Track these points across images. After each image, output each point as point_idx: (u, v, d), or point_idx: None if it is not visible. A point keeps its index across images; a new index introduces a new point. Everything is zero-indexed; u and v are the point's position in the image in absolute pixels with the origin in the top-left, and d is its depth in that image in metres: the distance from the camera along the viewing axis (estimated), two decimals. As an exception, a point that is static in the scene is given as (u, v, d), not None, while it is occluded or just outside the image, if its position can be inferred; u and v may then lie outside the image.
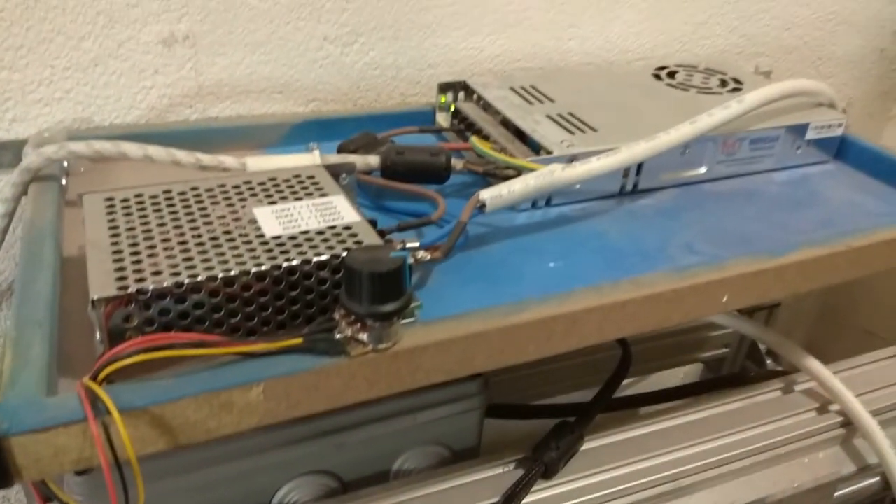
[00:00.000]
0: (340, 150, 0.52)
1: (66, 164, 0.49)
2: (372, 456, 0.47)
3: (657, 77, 0.65)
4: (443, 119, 0.61)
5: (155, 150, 0.45)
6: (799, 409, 0.56)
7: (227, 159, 0.46)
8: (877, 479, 0.54)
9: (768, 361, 0.78)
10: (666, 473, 0.48)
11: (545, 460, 0.47)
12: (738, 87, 0.63)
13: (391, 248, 0.33)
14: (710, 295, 0.40)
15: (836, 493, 0.53)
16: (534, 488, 0.47)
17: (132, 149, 0.45)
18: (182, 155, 0.45)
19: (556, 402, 0.64)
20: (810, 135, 0.59)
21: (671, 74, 0.66)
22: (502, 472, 0.48)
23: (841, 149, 0.61)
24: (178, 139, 0.54)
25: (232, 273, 0.32)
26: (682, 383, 0.81)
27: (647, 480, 0.48)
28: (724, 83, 0.64)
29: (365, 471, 0.47)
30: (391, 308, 0.31)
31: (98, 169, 0.51)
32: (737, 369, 0.81)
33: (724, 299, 0.41)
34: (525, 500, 0.46)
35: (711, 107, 0.53)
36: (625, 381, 0.61)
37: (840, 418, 0.56)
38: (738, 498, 0.38)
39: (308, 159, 0.48)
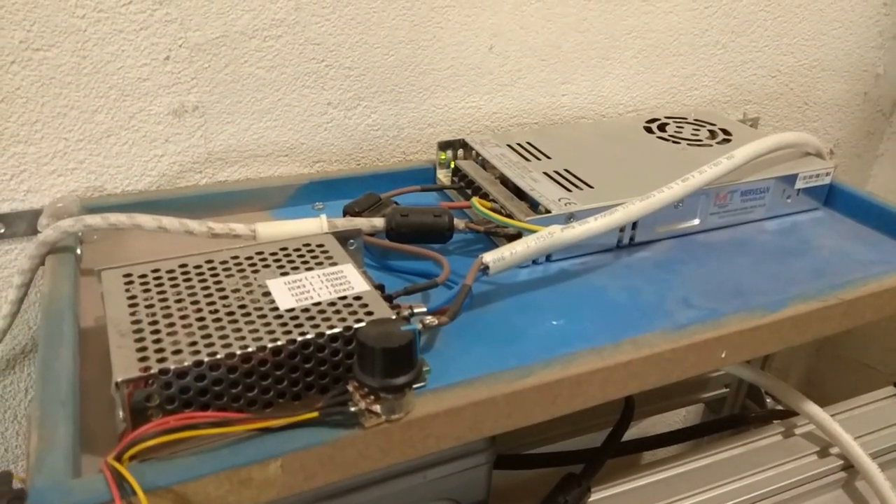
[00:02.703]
0: (346, 213, 0.53)
1: (80, 233, 0.51)
2: (383, 514, 0.48)
3: (648, 129, 0.67)
4: (443, 175, 0.63)
5: (168, 221, 0.46)
6: (800, 454, 0.57)
7: (238, 226, 0.48)
8: (879, 521, 0.55)
9: (768, 401, 0.80)
10: (671, 525, 0.49)
11: (554, 513, 0.48)
12: (727, 138, 0.66)
13: (401, 321, 0.35)
14: (708, 352, 0.42)
15: (840, 537, 0.54)
16: (543, 542, 0.48)
17: (146, 220, 0.46)
18: (194, 225, 0.47)
19: (561, 450, 0.65)
20: (799, 184, 0.61)
21: (661, 127, 0.68)
22: (511, 526, 0.49)
23: (829, 196, 0.63)
24: (188, 204, 0.56)
25: (249, 349, 0.33)
26: (683, 424, 0.83)
27: (653, 532, 0.49)
28: (713, 134, 0.67)
29: (375, 528, 0.48)
30: (403, 381, 0.33)
31: (111, 237, 0.53)
32: (737, 409, 0.82)
33: (723, 355, 0.42)
34: (535, 554, 0.47)
35: (702, 159, 0.55)
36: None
37: (841, 461, 0.57)
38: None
39: (316, 224, 0.50)
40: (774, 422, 0.61)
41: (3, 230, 0.53)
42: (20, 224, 0.53)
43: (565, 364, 0.39)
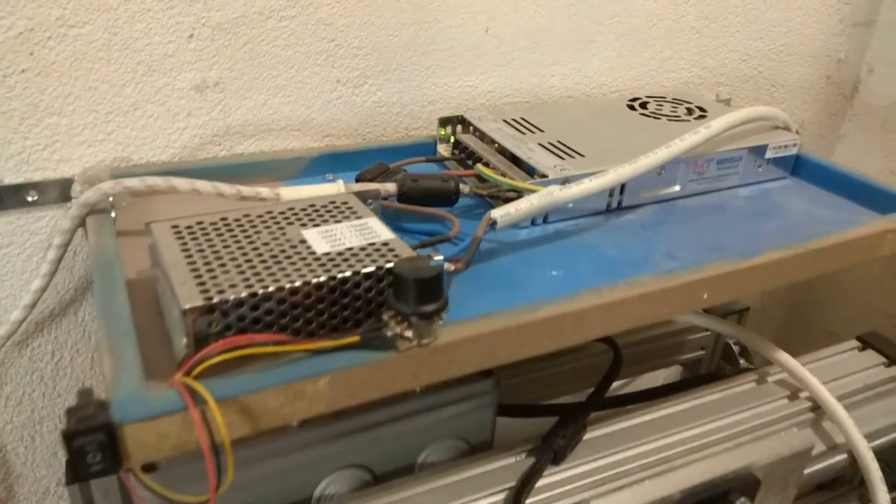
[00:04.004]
0: (359, 180, 0.58)
1: (111, 199, 0.54)
2: (400, 450, 0.53)
3: (631, 107, 0.73)
4: (443, 150, 0.67)
5: (201, 184, 0.50)
6: (772, 397, 0.63)
7: (264, 190, 0.52)
8: (844, 456, 0.61)
9: (741, 361, 0.86)
10: (660, 456, 0.54)
11: (554, 448, 0.53)
12: (702, 114, 0.71)
13: (428, 259, 0.39)
14: (692, 292, 0.47)
15: (808, 471, 0.59)
16: (545, 473, 0.53)
17: (181, 183, 0.50)
18: (224, 187, 0.51)
19: (558, 403, 0.71)
20: (769, 154, 0.66)
21: (643, 105, 0.73)
22: (515, 461, 0.54)
23: (797, 166, 0.69)
24: (208, 175, 0.59)
25: (296, 284, 0.38)
26: (664, 384, 0.88)
27: (644, 462, 0.54)
28: (690, 111, 0.72)
29: (394, 464, 0.53)
30: (432, 308, 0.37)
31: (137, 204, 0.56)
32: (713, 369, 0.88)
33: (705, 296, 0.48)
34: (538, 484, 0.52)
35: (681, 132, 0.60)
36: (613, 385, 0.67)
37: (809, 404, 0.63)
38: (727, 467, 0.44)
39: (334, 188, 0.54)
40: (748, 372, 0.67)
41: (36, 197, 0.57)
42: (52, 192, 0.57)
43: (569, 301, 0.44)
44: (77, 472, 0.31)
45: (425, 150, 0.67)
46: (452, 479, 0.52)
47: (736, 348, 0.85)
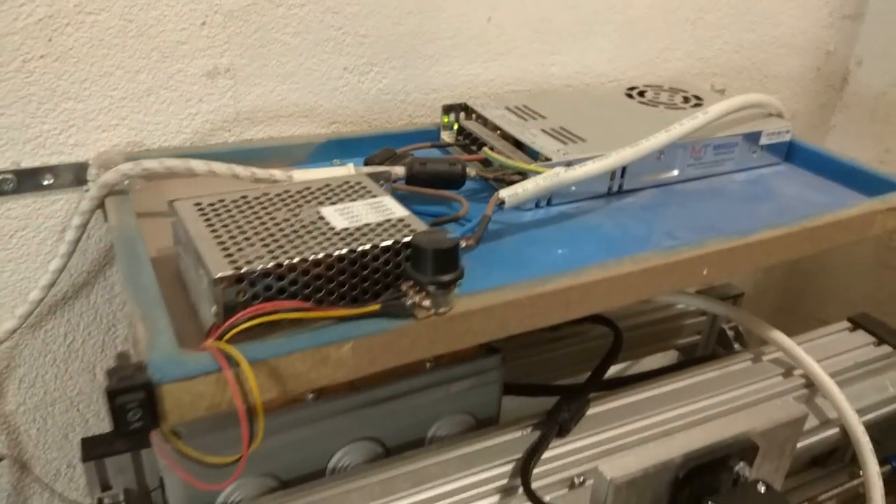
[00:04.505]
0: (367, 164, 0.59)
1: (126, 182, 0.56)
2: (411, 424, 0.54)
3: (629, 96, 0.75)
4: (447, 136, 0.69)
5: (217, 166, 0.52)
6: (767, 375, 0.65)
7: (277, 172, 0.54)
8: (836, 430, 0.63)
9: (735, 345, 0.88)
10: (662, 428, 0.56)
11: (559, 421, 0.55)
12: (698, 102, 0.73)
13: (445, 232, 0.41)
14: (693, 268, 0.49)
15: (801, 444, 0.62)
16: (551, 445, 0.55)
17: (198, 164, 0.52)
18: (239, 169, 0.52)
19: (560, 384, 0.73)
20: (763, 140, 0.69)
21: (641, 93, 0.75)
22: (521, 435, 0.56)
23: (790, 152, 0.71)
24: (219, 159, 0.61)
25: (319, 256, 0.39)
26: (662, 367, 0.90)
27: (647, 435, 0.56)
28: (686, 100, 0.74)
29: (405, 437, 0.54)
30: (449, 278, 0.39)
31: (151, 188, 0.57)
32: (708, 353, 0.90)
33: (705, 272, 0.50)
34: (544, 455, 0.54)
35: (679, 119, 0.62)
36: (611, 369, 0.69)
37: (803, 381, 0.65)
38: (727, 432, 0.46)
39: (344, 171, 0.56)
40: (744, 352, 0.69)
41: (52, 181, 0.58)
42: (67, 175, 0.58)
43: (576, 275, 0.46)
44: (118, 429, 0.33)
45: (429, 136, 0.69)
46: (462, 451, 0.54)
47: (731, 332, 0.88)
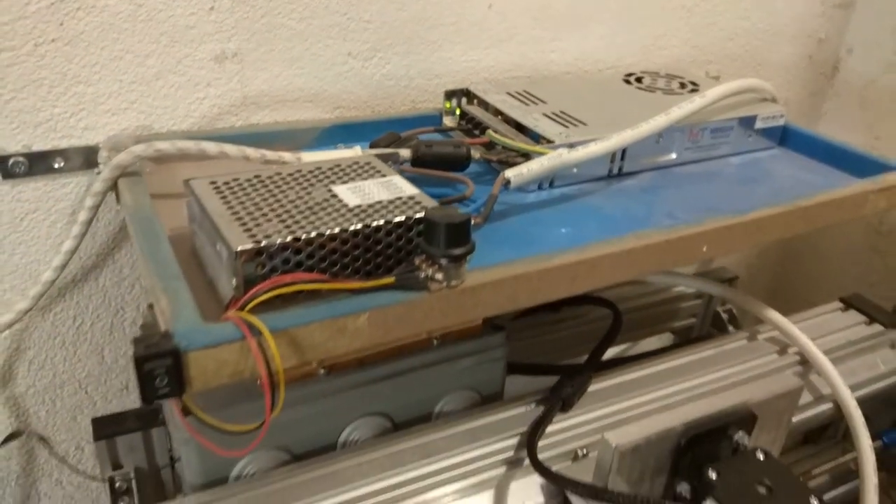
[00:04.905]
0: (373, 147, 0.61)
1: (137, 164, 0.57)
2: (418, 399, 0.56)
3: (627, 82, 0.76)
4: (449, 121, 0.70)
5: (229, 147, 0.53)
6: (762, 352, 0.67)
7: (286, 154, 0.55)
8: (829, 405, 0.65)
9: (730, 328, 0.90)
10: (663, 403, 0.58)
11: (562, 396, 0.57)
12: (694, 88, 0.75)
13: (456, 208, 0.42)
14: (693, 245, 0.51)
15: (796, 419, 0.63)
16: (554, 420, 0.56)
17: (209, 146, 0.53)
18: (250, 151, 0.53)
19: (562, 364, 0.74)
20: (758, 125, 0.70)
21: (639, 79, 0.77)
22: (526, 410, 0.57)
23: (784, 136, 0.73)
24: (226, 143, 0.62)
25: (336, 230, 0.41)
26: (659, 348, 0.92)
27: (648, 409, 0.58)
28: (683, 85, 0.76)
29: (413, 413, 0.56)
30: (461, 251, 0.40)
31: (161, 171, 0.58)
32: (703, 335, 0.92)
33: (704, 248, 0.51)
34: (548, 430, 0.55)
35: (676, 104, 0.63)
36: (610, 352, 0.71)
37: (797, 358, 0.67)
38: (726, 402, 0.47)
39: (352, 153, 0.57)
40: (739, 332, 0.71)
41: (62, 164, 0.59)
42: (77, 159, 0.59)
43: (581, 251, 0.47)
44: (146, 395, 0.34)
45: (431, 122, 0.70)
46: (468, 426, 0.55)
47: (725, 315, 0.90)
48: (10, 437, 0.66)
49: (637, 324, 0.86)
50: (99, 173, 0.55)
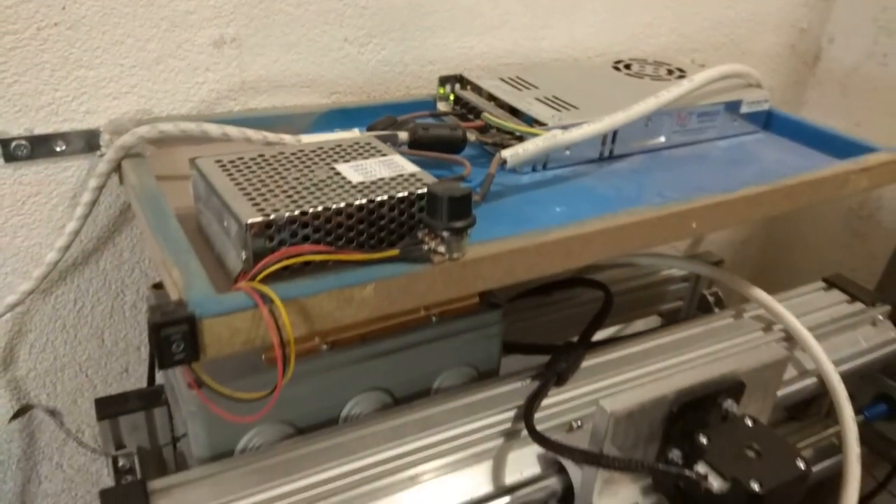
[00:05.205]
0: (370, 130, 0.62)
1: (139, 147, 0.58)
2: (417, 375, 0.57)
3: (616, 68, 0.78)
4: (443, 106, 0.72)
5: (230, 129, 0.54)
6: (748, 329, 0.69)
7: (287, 137, 0.56)
8: (813, 380, 0.67)
9: (716, 310, 0.92)
10: (654, 377, 0.60)
11: (557, 371, 0.58)
12: (681, 74, 0.77)
13: (458, 182, 0.44)
14: (683, 221, 0.53)
15: (782, 393, 0.66)
16: (549, 394, 0.58)
17: (211, 128, 0.54)
18: (252, 133, 0.55)
19: (555, 344, 0.76)
20: (743, 109, 0.72)
21: (627, 66, 0.79)
22: (521, 385, 0.59)
23: (768, 120, 0.75)
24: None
25: (341, 205, 0.42)
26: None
27: (638, 383, 0.60)
28: (670, 72, 0.78)
29: (412, 388, 0.57)
30: (463, 224, 0.42)
31: (160, 154, 0.59)
32: (690, 318, 0.94)
33: (694, 225, 0.53)
34: (543, 403, 0.57)
35: (664, 89, 0.65)
36: (601, 334, 0.72)
37: (782, 335, 0.69)
38: (713, 372, 0.49)
39: (350, 136, 0.58)
40: (726, 310, 0.73)
41: (64, 147, 0.59)
42: (78, 142, 0.60)
43: (576, 226, 0.49)
44: (162, 360, 0.35)
45: (426, 107, 0.71)
46: (466, 400, 0.57)
47: (711, 298, 0.92)
48: (21, 412, 0.66)
49: (626, 306, 0.87)
50: (102, 155, 0.56)
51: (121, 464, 0.62)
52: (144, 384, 0.67)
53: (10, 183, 0.59)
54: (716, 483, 0.44)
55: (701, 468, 0.45)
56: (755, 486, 0.44)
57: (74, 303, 0.67)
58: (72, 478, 0.74)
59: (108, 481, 0.62)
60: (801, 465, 0.46)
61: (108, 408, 0.61)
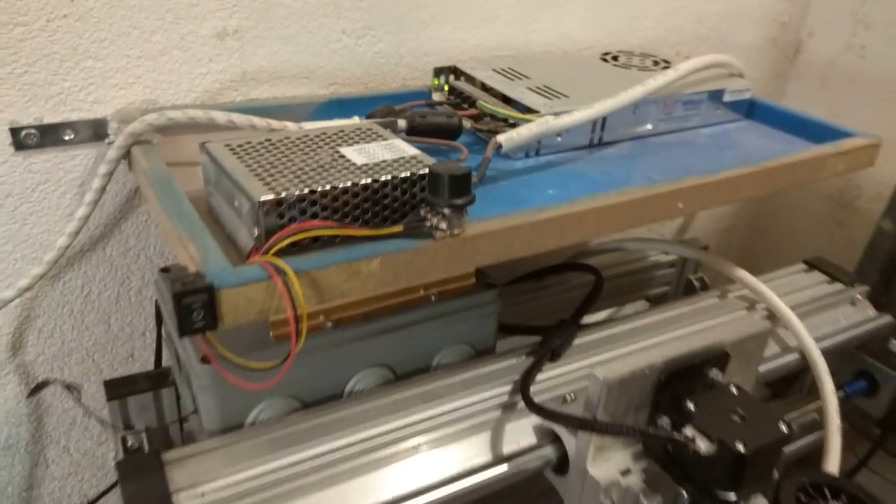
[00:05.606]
0: (369, 119, 0.64)
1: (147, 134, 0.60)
2: (417, 352, 0.60)
3: (604, 60, 0.81)
4: (438, 97, 0.74)
5: (236, 117, 0.56)
6: (733, 308, 0.72)
7: (290, 124, 0.58)
8: (795, 355, 0.70)
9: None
10: (642, 353, 0.63)
11: (551, 346, 0.61)
12: (667, 66, 0.80)
13: (458, 162, 0.46)
14: (670, 201, 0.55)
15: (765, 368, 0.69)
16: (543, 369, 0.60)
17: (218, 115, 0.56)
18: (257, 120, 0.57)
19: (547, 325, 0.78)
20: (726, 98, 0.75)
21: (615, 58, 0.81)
22: (517, 361, 0.61)
23: (750, 109, 0.78)
24: (230, 115, 0.65)
25: (347, 185, 0.44)
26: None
27: (631, 365, 0.62)
28: (656, 63, 0.80)
29: (413, 365, 0.60)
30: (463, 201, 0.44)
31: (167, 142, 0.61)
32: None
33: (680, 205, 0.56)
34: (538, 377, 0.59)
35: (651, 78, 0.68)
36: (589, 318, 0.75)
37: (765, 313, 0.72)
38: (703, 341, 0.52)
39: (351, 123, 0.60)
40: (711, 290, 0.76)
41: (72, 136, 0.61)
42: (86, 131, 0.62)
43: (569, 205, 0.51)
44: (183, 328, 0.37)
45: (421, 97, 0.74)
46: (465, 376, 0.59)
47: (697, 283, 0.95)
48: (39, 387, 0.68)
49: (615, 291, 0.90)
50: (111, 143, 0.58)
51: (129, 443, 0.64)
52: (150, 369, 0.69)
53: (21, 171, 0.61)
54: (703, 445, 0.47)
55: (689, 431, 0.48)
56: (740, 447, 0.46)
57: (81, 289, 0.68)
58: (78, 461, 0.76)
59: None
60: (783, 427, 0.49)
61: (117, 389, 0.63)
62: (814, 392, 0.72)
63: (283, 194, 0.42)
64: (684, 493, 0.49)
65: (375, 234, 0.44)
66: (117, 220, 0.67)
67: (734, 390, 0.52)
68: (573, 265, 0.80)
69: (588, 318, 0.73)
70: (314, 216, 0.44)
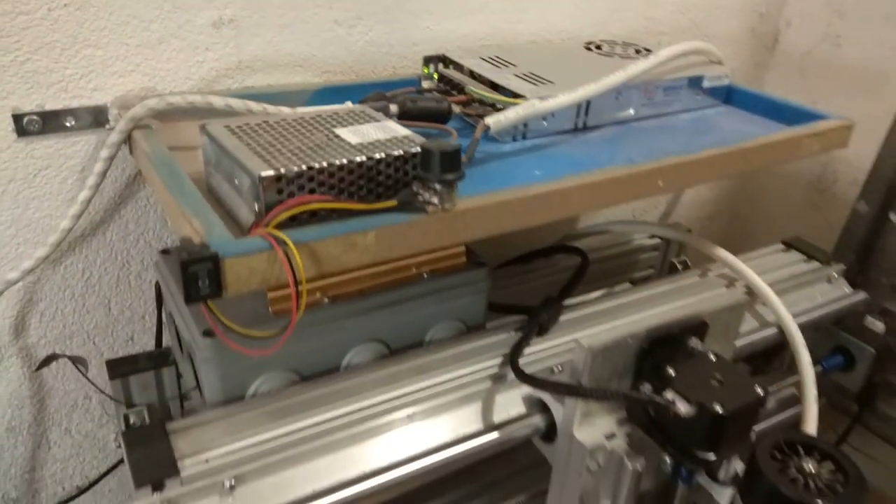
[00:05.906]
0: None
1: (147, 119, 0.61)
2: (411, 328, 0.62)
3: (588, 49, 0.83)
4: (427, 84, 0.76)
5: (234, 101, 0.58)
6: (714, 286, 0.75)
7: (286, 109, 0.60)
8: (774, 330, 0.73)
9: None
10: (627, 330, 0.65)
11: (539, 321, 0.64)
12: (649, 54, 0.82)
13: (449, 140, 0.49)
14: (650, 179, 0.58)
15: (744, 342, 0.71)
16: (531, 343, 0.63)
17: (216, 100, 0.58)
18: (253, 105, 0.59)
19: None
20: (705, 84, 0.78)
21: (598, 47, 0.84)
22: (507, 336, 0.64)
23: (729, 95, 0.81)
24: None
25: (343, 162, 0.47)
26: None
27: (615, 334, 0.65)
28: (638, 52, 0.83)
29: (407, 340, 0.62)
30: (453, 177, 0.47)
31: (165, 128, 0.63)
32: (662, 286, 1.00)
33: (660, 183, 0.58)
34: (526, 351, 0.62)
35: (633, 64, 0.71)
36: (573, 300, 0.78)
37: (745, 290, 0.75)
38: (683, 312, 0.55)
39: (345, 107, 0.62)
40: (692, 269, 0.79)
41: (73, 123, 0.63)
42: (87, 118, 0.64)
43: (556, 182, 0.54)
44: (189, 295, 0.40)
45: (411, 85, 0.76)
46: (456, 350, 0.62)
47: (680, 266, 0.98)
48: (47, 361, 0.70)
49: (600, 274, 0.93)
50: (111, 129, 0.60)
51: (132, 421, 0.66)
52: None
53: (23, 157, 0.62)
54: (683, 407, 0.50)
55: (669, 395, 0.50)
56: (718, 409, 0.49)
57: (82, 273, 0.70)
58: (80, 443, 0.78)
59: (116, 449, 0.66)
60: (759, 390, 0.52)
61: (120, 368, 0.65)
62: (792, 369, 0.75)
63: (283, 170, 0.45)
64: (667, 457, 0.52)
65: (371, 209, 0.46)
66: (117, 206, 0.69)
67: (712, 357, 0.55)
68: (560, 247, 0.83)
69: (574, 299, 0.75)
70: (312, 192, 0.46)
